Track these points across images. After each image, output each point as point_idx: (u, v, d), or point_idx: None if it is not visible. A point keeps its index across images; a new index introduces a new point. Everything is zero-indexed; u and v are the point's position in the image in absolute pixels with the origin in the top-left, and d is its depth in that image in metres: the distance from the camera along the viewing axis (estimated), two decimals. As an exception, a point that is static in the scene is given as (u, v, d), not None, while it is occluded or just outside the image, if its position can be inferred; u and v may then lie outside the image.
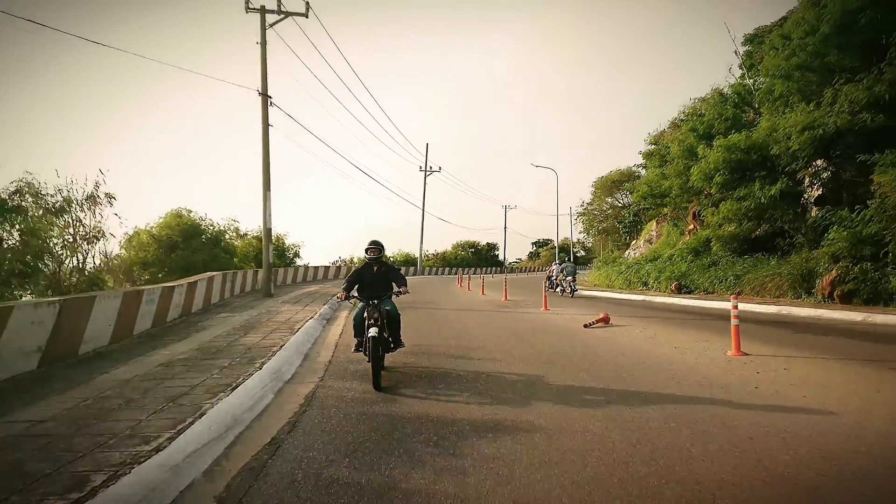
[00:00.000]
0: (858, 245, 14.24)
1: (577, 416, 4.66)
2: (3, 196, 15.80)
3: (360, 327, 6.26)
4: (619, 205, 56.26)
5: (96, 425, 4.41)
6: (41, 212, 16.27)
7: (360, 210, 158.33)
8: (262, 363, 6.73)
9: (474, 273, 55.38)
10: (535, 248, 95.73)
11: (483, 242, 71.12)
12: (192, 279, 13.12)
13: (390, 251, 57.16)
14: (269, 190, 18.18)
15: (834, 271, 14.50)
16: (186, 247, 23.05)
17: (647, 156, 32.02)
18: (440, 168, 49.49)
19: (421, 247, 51.44)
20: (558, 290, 21.96)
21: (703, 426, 4.29)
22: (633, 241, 43.90)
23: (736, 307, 7.25)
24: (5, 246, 15.32)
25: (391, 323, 6.38)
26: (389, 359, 6.89)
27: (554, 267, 23.47)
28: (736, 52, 26.04)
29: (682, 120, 29.19)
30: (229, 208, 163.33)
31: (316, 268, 34.33)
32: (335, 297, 7.95)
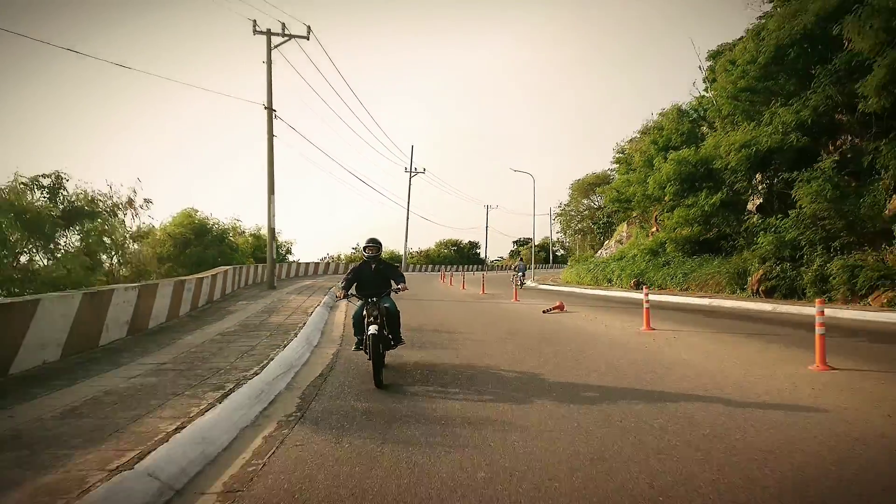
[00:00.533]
0: (780, 248, 16.88)
1: (523, 357, 7.01)
2: (80, 203, 18.32)
3: (359, 325, 6.30)
4: (595, 206, 58.97)
5: (205, 364, 6.61)
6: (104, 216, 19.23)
7: (348, 208, 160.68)
8: (295, 334, 8.95)
9: (456, 270, 57.78)
10: (515, 247, 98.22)
11: (465, 241, 73.63)
12: (213, 271, 15.22)
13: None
14: (272, 194, 20.24)
15: (760, 270, 17.14)
16: (199, 243, 25.05)
17: (617, 162, 34.73)
18: (424, 170, 51.65)
19: (406, 245, 53.70)
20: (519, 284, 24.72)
21: (595, 359, 6.67)
22: (606, 242, 46.61)
23: (647, 297, 9.75)
24: (78, 245, 18.14)
25: (391, 320, 6.39)
26: (389, 356, 6.75)
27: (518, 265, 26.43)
28: (700, 67, 28.78)
29: (643, 133, 31.87)
30: (228, 208, 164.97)
31: (307, 263, 36.37)
32: (333, 292, 7.17)
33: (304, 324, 10.17)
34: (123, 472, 3.18)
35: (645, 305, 9.65)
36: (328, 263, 40.91)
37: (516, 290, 19.23)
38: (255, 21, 19.55)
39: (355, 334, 6.49)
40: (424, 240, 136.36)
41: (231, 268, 18.36)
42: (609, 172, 56.42)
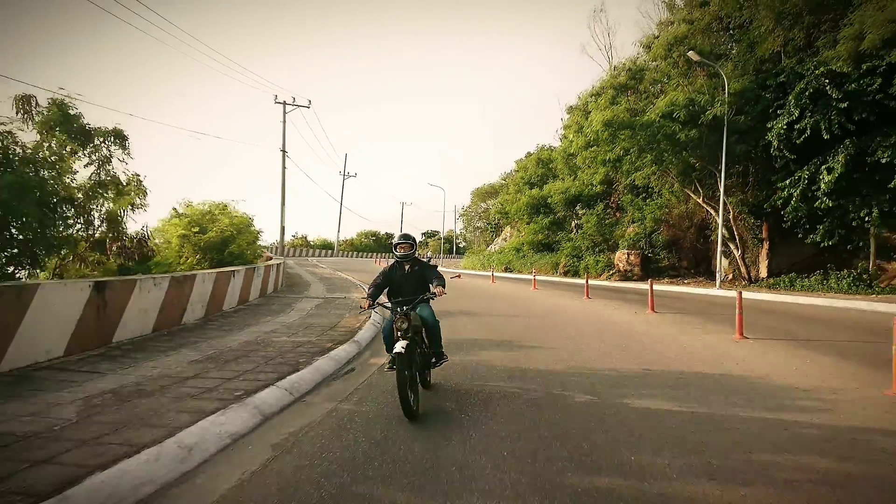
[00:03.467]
0: (574, 250, 31.53)
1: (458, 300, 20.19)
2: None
3: (391, 340, 5.11)
4: (490, 210, 73.81)
5: (301, 333, 18.60)
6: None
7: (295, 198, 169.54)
8: (369, 314, 21.17)
9: (382, 257, 70.31)
10: (424, 238, 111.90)
11: (382, 232, 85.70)
12: (268, 263, 26.45)
13: (312, 237, 70.10)
14: (284, 206, 31.69)
15: (563, 261, 31.72)
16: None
17: (503, 180, 49.04)
18: (356, 174, 63.31)
19: (338, 236, 65.23)
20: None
21: (475, 292, 19.92)
22: (496, 239, 61.31)
23: (494, 278, 23.21)
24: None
25: (430, 332, 5.38)
26: (435, 374, 5.88)
27: (428, 255, 39.62)
28: (561, 119, 43.50)
29: (519, 168, 46.49)
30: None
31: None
32: (358, 306, 5.91)
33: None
34: (291, 376, 5.84)
35: (492, 274, 23.11)
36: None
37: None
38: (276, 95, 30.90)
39: (388, 351, 5.13)
40: (348, 230, 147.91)
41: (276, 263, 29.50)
42: (501, 183, 71.60)
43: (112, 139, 12.97)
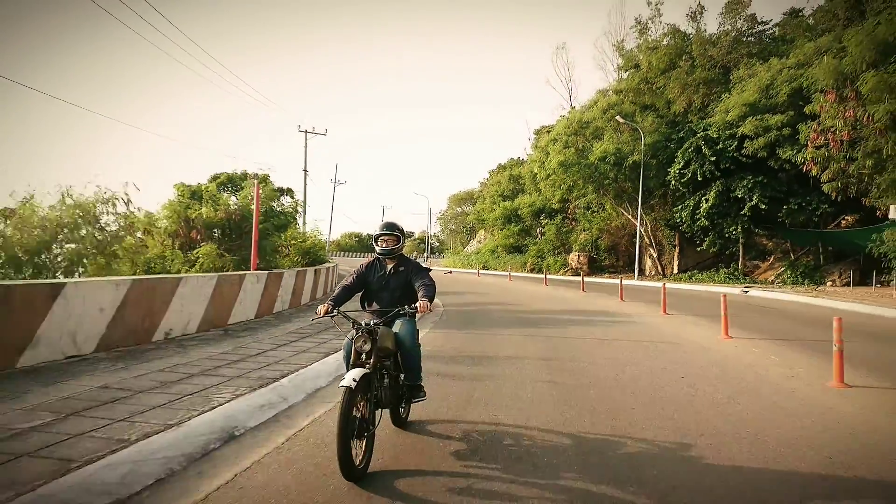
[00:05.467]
0: (538, 252, 39.42)
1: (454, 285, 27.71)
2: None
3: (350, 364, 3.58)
4: (465, 214, 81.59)
5: None
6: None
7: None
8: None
9: (363, 257, 77.21)
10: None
11: (365, 233, 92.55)
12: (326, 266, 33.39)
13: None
14: (304, 217, 38.61)
15: (530, 261, 39.57)
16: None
17: (480, 188, 56.78)
18: (346, 181, 70.12)
19: (329, 238, 71.94)
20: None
21: (489, 288, 27.49)
22: (471, 241, 69.12)
23: (480, 273, 30.81)
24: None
25: (406, 357, 3.90)
26: (415, 411, 4.39)
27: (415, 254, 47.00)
28: (529, 138, 51.40)
29: (491, 175, 54.28)
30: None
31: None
32: (314, 313, 4.05)
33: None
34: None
35: (480, 273, 30.63)
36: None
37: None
38: (299, 125, 37.86)
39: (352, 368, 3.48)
40: (333, 231, 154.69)
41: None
42: (476, 191, 79.49)
43: (284, 192, 20.05)
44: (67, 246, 10.20)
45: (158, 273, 10.94)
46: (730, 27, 28.91)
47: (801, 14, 29.36)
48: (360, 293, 4.22)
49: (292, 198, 19.51)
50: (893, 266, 17.39)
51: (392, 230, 4.10)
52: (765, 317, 12.54)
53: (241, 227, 13.10)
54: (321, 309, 3.72)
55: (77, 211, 10.09)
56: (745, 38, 28.50)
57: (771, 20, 31.65)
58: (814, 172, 19.25)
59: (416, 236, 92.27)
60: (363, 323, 3.65)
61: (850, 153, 17.86)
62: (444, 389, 5.45)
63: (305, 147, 38.22)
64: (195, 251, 11.57)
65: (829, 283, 22.88)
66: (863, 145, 17.13)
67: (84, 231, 10.26)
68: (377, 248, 4.13)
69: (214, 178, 16.52)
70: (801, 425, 4.37)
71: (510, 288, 23.16)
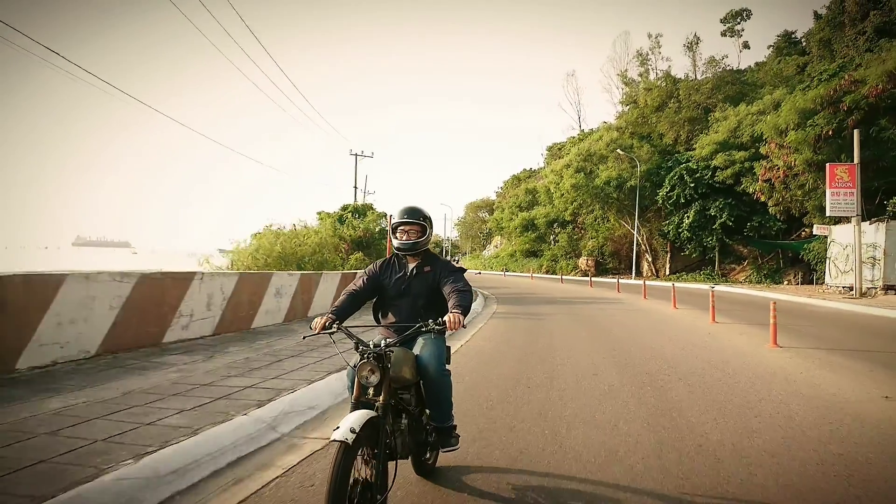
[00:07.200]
0: (552, 256, 46.13)
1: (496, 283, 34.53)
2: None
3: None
4: (483, 221, 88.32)
5: None
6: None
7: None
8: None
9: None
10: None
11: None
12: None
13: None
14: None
15: (545, 264, 46.28)
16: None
17: (498, 197, 63.60)
18: (374, 191, 76.97)
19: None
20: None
21: (516, 285, 34.29)
22: (488, 245, 75.88)
23: (505, 273, 37.59)
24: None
25: (431, 391, 2.87)
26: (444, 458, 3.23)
27: None
28: (542, 154, 58.12)
29: (504, 189, 61.01)
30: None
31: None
32: (311, 326, 2.74)
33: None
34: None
35: (488, 273, 37.37)
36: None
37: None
38: (351, 148, 44.86)
39: (355, 407, 2.51)
40: None
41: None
42: (492, 199, 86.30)
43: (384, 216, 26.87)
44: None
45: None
46: (710, 75, 35.64)
47: (764, 66, 36.05)
48: (371, 301, 3.13)
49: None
50: (817, 269, 23.98)
51: (416, 217, 3.03)
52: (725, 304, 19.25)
53: (369, 241, 19.86)
54: (318, 322, 2.69)
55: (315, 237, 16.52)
56: (724, 85, 35.15)
57: (748, 66, 38.43)
58: (763, 199, 25.89)
59: (432, 240, 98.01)
60: (370, 344, 2.55)
61: (790, 184, 24.47)
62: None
63: (356, 168, 45.15)
64: (350, 256, 18.22)
65: (785, 282, 29.45)
66: (795, 180, 23.75)
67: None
68: (395, 242, 3.05)
69: (344, 207, 23.18)
70: (754, 389, 11.02)
71: (534, 284, 29.89)
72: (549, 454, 3.49)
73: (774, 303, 8.70)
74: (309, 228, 17.18)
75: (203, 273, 8.73)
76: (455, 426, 3.04)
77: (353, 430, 2.19)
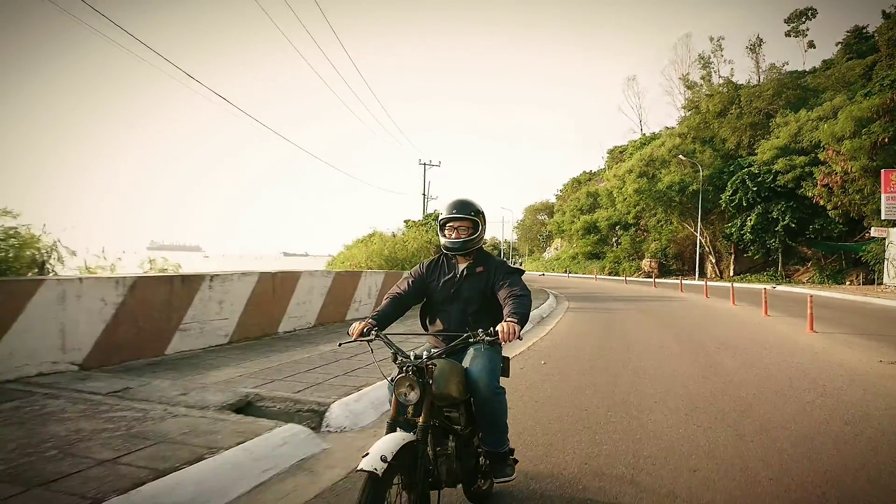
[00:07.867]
0: (615, 258, 47.90)
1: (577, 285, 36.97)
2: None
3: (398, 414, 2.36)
4: (542, 224, 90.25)
5: None
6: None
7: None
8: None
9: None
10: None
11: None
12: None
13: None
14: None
15: (608, 265, 48.09)
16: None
17: (558, 200, 65.69)
18: (437, 196, 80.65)
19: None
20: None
21: (584, 286, 36.73)
22: (548, 247, 77.82)
23: (569, 275, 39.85)
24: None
25: (482, 410, 2.58)
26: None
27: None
28: (602, 157, 59.76)
29: (564, 192, 62.91)
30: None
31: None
32: (349, 331, 2.49)
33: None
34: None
35: (566, 275, 39.69)
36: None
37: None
38: (420, 158, 48.41)
39: (391, 427, 2.27)
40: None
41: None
42: (552, 202, 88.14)
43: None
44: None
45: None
46: (771, 79, 36.64)
47: (832, 64, 36.63)
48: (418, 305, 2.89)
49: None
50: (875, 269, 25.10)
51: (466, 212, 2.73)
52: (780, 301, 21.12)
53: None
54: (355, 328, 2.48)
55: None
56: (785, 90, 36.07)
57: (813, 67, 39.00)
58: (822, 203, 27.14)
59: (489, 242, 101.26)
60: (411, 355, 2.33)
61: (848, 188, 25.69)
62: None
63: (424, 175, 48.67)
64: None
65: (847, 283, 30.36)
66: (853, 185, 25.01)
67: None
68: (443, 241, 2.79)
69: (428, 215, 26.49)
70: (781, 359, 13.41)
71: (599, 285, 32.16)
72: (628, 383, 6.39)
73: (811, 297, 11.08)
74: (406, 234, 20.44)
75: (365, 271, 12.14)
76: (511, 451, 2.72)
77: (383, 459, 1.93)
